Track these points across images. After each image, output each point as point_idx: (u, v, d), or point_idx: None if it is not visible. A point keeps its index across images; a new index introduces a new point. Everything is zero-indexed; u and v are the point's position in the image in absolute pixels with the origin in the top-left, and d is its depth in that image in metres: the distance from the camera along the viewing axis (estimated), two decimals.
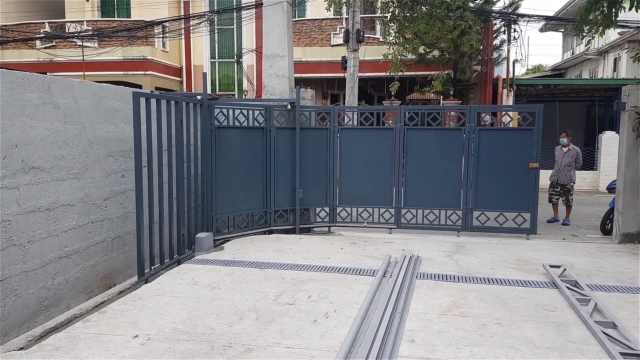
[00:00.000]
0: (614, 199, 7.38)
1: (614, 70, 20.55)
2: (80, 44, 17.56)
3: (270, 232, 7.29)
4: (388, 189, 7.53)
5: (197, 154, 6.32)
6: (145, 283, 5.02)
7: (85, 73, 16.67)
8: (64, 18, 19.74)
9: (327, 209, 7.64)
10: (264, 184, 7.21)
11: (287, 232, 7.44)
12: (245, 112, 7.07)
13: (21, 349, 3.70)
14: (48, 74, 5.02)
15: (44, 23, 18.71)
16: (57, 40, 18.08)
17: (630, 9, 7.02)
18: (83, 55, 17.19)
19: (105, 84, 5.34)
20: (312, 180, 7.50)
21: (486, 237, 7.22)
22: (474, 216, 7.34)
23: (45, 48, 18.14)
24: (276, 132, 7.19)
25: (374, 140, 7.54)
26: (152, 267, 5.35)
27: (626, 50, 17.55)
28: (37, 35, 18.27)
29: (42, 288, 4.31)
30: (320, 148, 7.52)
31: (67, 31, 18.30)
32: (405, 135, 7.40)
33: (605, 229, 7.94)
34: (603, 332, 3.63)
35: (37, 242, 4.25)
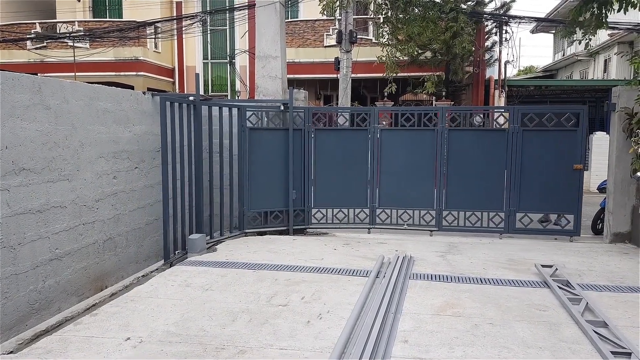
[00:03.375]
0: (605, 198, 7.44)
1: (604, 71, 20.75)
2: (72, 44, 17.43)
3: (305, 230, 7.49)
4: (428, 191, 7.40)
5: (191, 155, 6.31)
6: (170, 267, 5.57)
7: (77, 74, 16.56)
8: (55, 18, 19.58)
9: (367, 210, 7.59)
10: (302, 184, 7.43)
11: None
12: (270, 113, 7.41)
13: (11, 352, 3.66)
14: (39, 74, 4.99)
15: (34, 23, 18.55)
16: (48, 41, 17.95)
17: (619, 10, 7.11)
18: (74, 56, 17.07)
19: (96, 84, 5.29)
20: (349, 181, 7.53)
21: (478, 237, 7.25)
22: (517, 218, 7.24)
23: (36, 49, 18.00)
24: (315, 133, 7.39)
25: (415, 141, 7.44)
26: (176, 252, 6.01)
27: (619, 54, 17.71)
28: (28, 36, 18.12)
29: (33, 291, 4.27)
30: (359, 148, 7.49)
31: (58, 32, 18.16)
32: (447, 136, 7.31)
33: (596, 229, 8.02)
34: (594, 331, 3.66)
35: (27, 244, 4.21)
